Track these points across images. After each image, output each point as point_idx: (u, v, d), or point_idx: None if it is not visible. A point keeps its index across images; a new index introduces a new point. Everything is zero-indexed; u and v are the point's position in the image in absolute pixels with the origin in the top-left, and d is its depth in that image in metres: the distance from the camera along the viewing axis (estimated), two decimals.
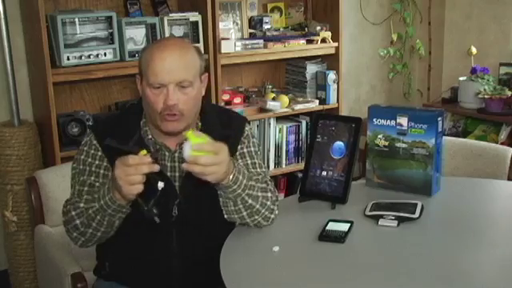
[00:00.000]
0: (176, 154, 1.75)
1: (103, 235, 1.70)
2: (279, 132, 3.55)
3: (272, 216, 1.77)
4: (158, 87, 1.65)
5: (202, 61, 1.75)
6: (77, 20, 2.78)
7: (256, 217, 1.73)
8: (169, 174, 1.74)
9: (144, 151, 1.54)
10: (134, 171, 1.50)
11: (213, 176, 1.56)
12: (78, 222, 1.67)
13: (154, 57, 1.66)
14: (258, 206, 1.72)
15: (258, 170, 1.81)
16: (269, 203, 1.75)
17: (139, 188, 1.52)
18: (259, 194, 1.72)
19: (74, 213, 1.68)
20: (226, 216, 1.74)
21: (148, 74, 1.66)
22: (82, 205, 1.66)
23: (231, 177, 1.62)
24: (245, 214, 1.71)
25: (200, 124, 1.78)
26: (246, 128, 1.86)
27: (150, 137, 1.75)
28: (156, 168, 1.52)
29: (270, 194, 1.76)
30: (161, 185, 1.59)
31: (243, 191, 1.67)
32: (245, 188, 1.67)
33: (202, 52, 3.10)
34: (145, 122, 1.77)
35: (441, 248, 1.64)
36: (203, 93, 1.77)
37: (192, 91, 1.68)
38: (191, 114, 1.71)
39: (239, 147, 1.81)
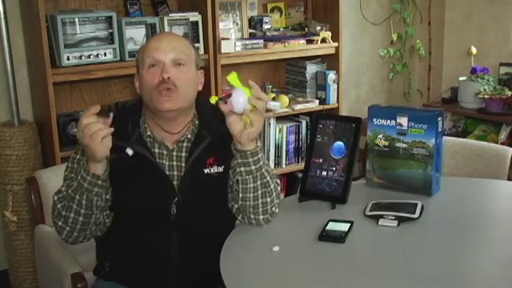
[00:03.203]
0: (174, 153, 1.75)
1: (85, 220, 1.68)
2: (279, 132, 3.55)
3: (274, 209, 1.78)
4: (154, 65, 1.69)
5: (197, 54, 1.79)
6: (77, 20, 2.78)
7: (268, 199, 1.75)
8: (167, 172, 1.74)
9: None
10: (84, 121, 1.53)
11: (257, 130, 1.65)
12: (59, 206, 1.68)
13: (150, 41, 1.75)
14: (272, 186, 1.76)
15: None
16: (279, 189, 1.80)
17: (102, 134, 1.53)
18: (273, 177, 1.78)
19: (56, 197, 1.70)
20: (240, 196, 1.74)
21: (144, 58, 1.71)
22: (63, 188, 1.69)
23: (257, 144, 1.70)
24: (260, 192, 1.74)
25: (198, 122, 1.79)
26: None
27: (150, 133, 1.75)
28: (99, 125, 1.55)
29: (279, 182, 1.81)
30: (129, 151, 1.66)
31: (264, 165, 1.73)
32: (263, 163, 1.73)
33: (199, 53, 3.11)
34: (144, 119, 1.78)
35: (441, 248, 1.64)
36: (200, 88, 1.80)
37: (188, 71, 1.72)
38: (186, 95, 1.72)
39: None
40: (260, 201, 1.75)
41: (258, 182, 1.73)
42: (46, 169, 2.56)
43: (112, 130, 1.56)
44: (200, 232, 1.76)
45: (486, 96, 3.57)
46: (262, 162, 1.72)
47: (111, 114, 1.58)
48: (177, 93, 1.69)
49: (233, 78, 1.63)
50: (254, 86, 1.65)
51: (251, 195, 1.74)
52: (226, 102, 1.63)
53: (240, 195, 1.74)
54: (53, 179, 2.26)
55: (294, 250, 1.67)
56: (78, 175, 1.63)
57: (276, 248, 1.63)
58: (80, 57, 2.80)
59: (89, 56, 2.82)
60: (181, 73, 1.70)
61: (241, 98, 1.61)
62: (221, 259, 1.60)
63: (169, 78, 1.67)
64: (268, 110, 3.59)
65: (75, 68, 2.81)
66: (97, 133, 1.53)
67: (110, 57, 2.88)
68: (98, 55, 2.84)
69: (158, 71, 1.68)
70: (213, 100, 1.65)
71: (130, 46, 2.91)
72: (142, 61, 1.72)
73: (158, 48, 1.70)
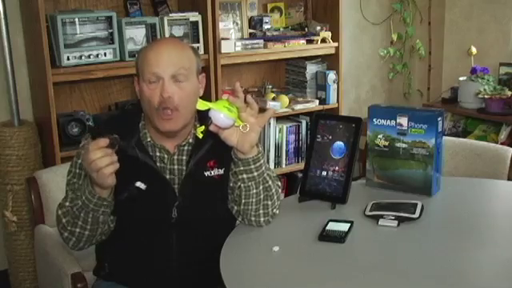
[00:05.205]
0: (175, 157, 1.75)
1: (92, 233, 1.68)
2: (279, 132, 3.55)
3: (275, 211, 1.79)
4: (153, 81, 1.66)
5: (198, 59, 1.76)
6: (77, 20, 2.78)
7: (269, 202, 1.75)
8: (168, 176, 1.74)
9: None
10: (93, 157, 1.48)
11: (257, 135, 1.64)
12: (64, 221, 1.68)
13: (149, 52, 1.69)
14: (273, 190, 1.76)
15: None
16: (279, 192, 1.79)
17: (104, 173, 1.50)
18: (274, 181, 1.77)
19: (60, 212, 1.69)
20: (242, 201, 1.73)
21: (144, 69, 1.67)
22: (67, 203, 1.67)
23: (258, 149, 1.69)
24: (262, 196, 1.74)
25: (199, 125, 1.78)
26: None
27: (149, 139, 1.75)
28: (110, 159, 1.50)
29: (280, 184, 1.81)
30: (139, 185, 1.65)
31: (265, 169, 1.72)
32: (266, 167, 1.72)
33: (199, 53, 3.11)
34: (143, 124, 1.77)
35: (441, 248, 1.64)
36: (201, 93, 1.77)
37: (188, 85, 1.69)
38: (187, 112, 1.70)
39: None
40: (262, 204, 1.75)
41: (261, 188, 1.73)
42: (45, 169, 2.56)
43: (118, 166, 1.52)
44: (200, 233, 1.76)
45: (486, 96, 3.58)
46: (263, 168, 1.71)
47: (116, 146, 1.52)
48: (177, 113, 1.67)
49: (201, 105, 1.59)
50: (237, 88, 1.62)
51: (253, 200, 1.73)
52: (211, 124, 1.60)
53: (242, 201, 1.74)
54: (53, 179, 2.27)
55: (294, 250, 1.67)
56: (82, 196, 1.61)
57: (276, 248, 1.63)
58: (80, 57, 2.80)
59: (89, 56, 2.82)
60: (181, 90, 1.67)
61: (220, 115, 1.57)
62: (221, 259, 1.60)
63: (169, 97, 1.65)
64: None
65: (75, 68, 2.81)
66: (104, 170, 1.49)
67: (110, 57, 2.88)
68: (98, 55, 2.84)
69: (157, 88, 1.65)
70: (200, 135, 1.62)
71: (130, 46, 2.91)
72: (142, 72, 1.69)
73: (158, 63, 1.65)
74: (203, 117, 1.77)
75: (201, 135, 1.61)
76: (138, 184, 1.68)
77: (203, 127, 1.60)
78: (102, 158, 1.49)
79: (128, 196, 1.67)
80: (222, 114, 1.57)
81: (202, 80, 1.79)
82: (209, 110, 1.58)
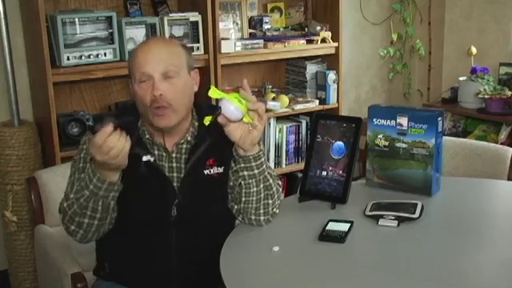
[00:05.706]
0: (174, 155, 1.75)
1: (100, 223, 1.67)
2: (279, 132, 3.55)
3: (275, 210, 1.79)
4: (144, 80, 1.66)
5: (189, 55, 1.76)
6: (77, 20, 2.78)
7: (270, 201, 1.75)
8: (167, 174, 1.74)
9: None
10: (111, 144, 1.48)
11: (259, 134, 1.65)
12: (70, 212, 1.65)
13: (138, 52, 1.69)
14: (274, 189, 1.76)
15: None
16: (280, 191, 1.79)
17: (125, 154, 1.51)
18: (275, 179, 1.77)
19: (65, 204, 1.67)
20: (243, 199, 1.73)
21: (134, 70, 1.68)
22: (72, 195, 1.65)
23: (260, 147, 1.69)
24: (262, 195, 1.74)
25: (197, 124, 1.78)
26: None
27: (148, 137, 1.75)
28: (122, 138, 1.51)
29: (280, 183, 1.81)
30: (147, 158, 1.68)
31: (266, 168, 1.73)
32: (266, 166, 1.73)
33: (200, 52, 3.11)
34: (142, 122, 1.77)
35: (441, 248, 1.64)
36: (195, 89, 1.78)
37: (179, 82, 1.68)
38: (181, 108, 1.70)
39: None
40: (262, 203, 1.75)
41: (261, 186, 1.73)
42: (45, 169, 2.56)
43: (130, 142, 1.53)
44: (200, 232, 1.76)
45: (486, 96, 3.58)
46: (264, 166, 1.72)
47: (118, 128, 1.52)
48: (171, 109, 1.66)
49: (213, 93, 1.60)
50: (245, 85, 1.63)
51: (254, 198, 1.74)
52: (219, 115, 1.60)
53: (243, 199, 1.74)
54: (53, 179, 2.27)
55: (294, 249, 1.67)
56: (88, 185, 1.59)
57: (276, 248, 1.63)
58: (80, 57, 2.80)
59: (89, 56, 2.82)
60: (172, 86, 1.66)
61: (231, 106, 1.58)
62: (221, 259, 1.60)
63: (160, 94, 1.64)
64: (268, 110, 3.61)
65: (75, 68, 2.81)
66: (124, 150, 1.50)
67: (110, 57, 2.88)
68: (98, 55, 2.84)
69: (148, 87, 1.65)
70: (207, 122, 1.61)
71: (130, 46, 2.90)
72: (133, 73, 1.69)
73: (146, 62, 1.65)
74: (201, 113, 1.77)
75: (207, 122, 1.62)
76: (145, 158, 1.69)
77: (211, 116, 1.60)
78: (119, 140, 1.49)
79: (142, 170, 1.68)
80: (233, 105, 1.58)
81: (196, 76, 1.79)
82: (220, 99, 1.59)
